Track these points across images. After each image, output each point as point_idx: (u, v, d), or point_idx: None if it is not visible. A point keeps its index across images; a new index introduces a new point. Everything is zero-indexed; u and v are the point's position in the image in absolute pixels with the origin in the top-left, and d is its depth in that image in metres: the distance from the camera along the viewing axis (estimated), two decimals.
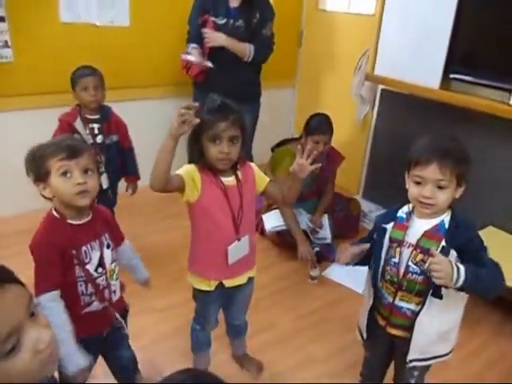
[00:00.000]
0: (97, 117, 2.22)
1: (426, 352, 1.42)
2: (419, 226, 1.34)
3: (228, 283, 1.59)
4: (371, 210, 3.32)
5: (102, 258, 1.32)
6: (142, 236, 2.73)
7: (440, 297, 1.30)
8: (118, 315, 1.40)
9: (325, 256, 2.74)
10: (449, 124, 2.75)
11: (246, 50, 2.75)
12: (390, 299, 1.42)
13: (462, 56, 2.64)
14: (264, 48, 2.83)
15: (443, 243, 1.28)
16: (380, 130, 3.32)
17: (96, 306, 1.33)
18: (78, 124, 2.17)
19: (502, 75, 2.42)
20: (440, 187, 1.25)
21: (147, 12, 3.07)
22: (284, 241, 2.78)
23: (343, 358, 2.04)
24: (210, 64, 2.74)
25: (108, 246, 1.36)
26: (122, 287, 1.47)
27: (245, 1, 2.71)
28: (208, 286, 1.57)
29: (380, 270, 1.42)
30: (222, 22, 2.73)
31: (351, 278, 2.53)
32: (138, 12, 3.04)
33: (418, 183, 1.28)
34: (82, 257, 1.28)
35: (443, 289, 1.28)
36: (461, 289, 1.22)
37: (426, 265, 1.23)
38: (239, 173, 1.51)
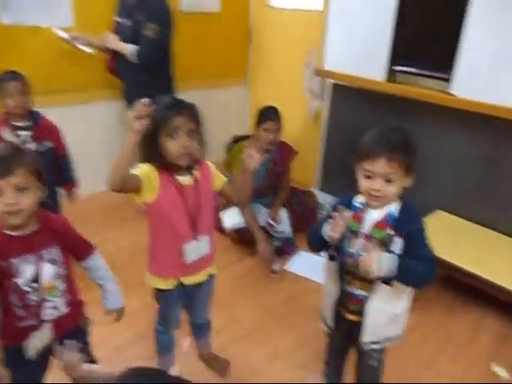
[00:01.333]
0: (25, 124, 2.11)
1: (378, 335, 1.48)
2: (371, 217, 1.39)
3: (187, 281, 1.59)
4: (327, 201, 3.40)
5: (38, 273, 1.26)
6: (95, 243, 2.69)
7: (389, 283, 1.36)
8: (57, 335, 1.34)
9: (285, 250, 2.78)
10: (397, 115, 2.86)
11: (127, 50, 2.69)
12: (349, 288, 1.47)
13: (405, 48, 2.75)
14: (145, 50, 2.66)
15: (390, 232, 1.33)
16: (332, 124, 3.40)
17: (33, 320, 1.28)
18: (6, 133, 2.06)
19: (441, 66, 2.54)
20: (388, 180, 1.30)
21: (91, 14, 2.98)
22: (244, 238, 2.80)
23: (308, 349, 2.08)
24: (87, 50, 2.79)
25: (52, 261, 1.29)
26: (79, 304, 1.43)
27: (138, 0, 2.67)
28: (165, 284, 1.57)
29: (340, 260, 1.44)
30: (118, 20, 2.79)
31: (312, 270, 2.58)
32: (82, 14, 2.94)
33: (368, 177, 1.33)
34: (10, 269, 1.22)
35: None
36: (392, 279, 1.31)
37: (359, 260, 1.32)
38: (196, 172, 1.51)
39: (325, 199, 3.41)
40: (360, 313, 1.45)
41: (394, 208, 1.37)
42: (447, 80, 2.50)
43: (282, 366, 1.99)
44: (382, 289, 1.37)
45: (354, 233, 1.41)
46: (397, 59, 2.75)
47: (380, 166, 1.29)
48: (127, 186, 1.36)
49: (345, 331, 1.58)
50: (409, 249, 1.32)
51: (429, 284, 1.39)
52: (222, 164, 2.77)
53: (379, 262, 1.28)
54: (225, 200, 2.78)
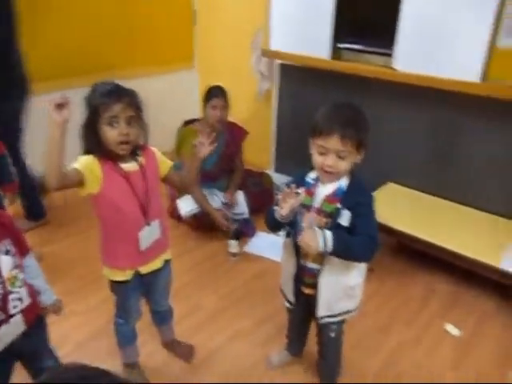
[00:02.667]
0: None
1: (333, 309, 1.53)
2: (322, 191, 1.42)
3: (144, 270, 1.57)
4: (283, 183, 3.43)
5: None
6: (46, 245, 2.63)
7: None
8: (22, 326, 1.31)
9: (244, 232, 2.79)
10: (345, 91, 2.90)
11: None
12: (304, 262, 1.50)
13: (349, 26, 2.79)
14: None
15: (338, 205, 1.37)
16: (283, 104, 3.42)
17: (1, 315, 1.25)
18: None
19: (384, 41, 2.59)
20: (341, 157, 1.34)
21: None
22: (201, 223, 2.78)
23: (270, 326, 2.12)
24: None
25: (7, 252, 1.27)
26: (36, 294, 1.39)
27: None
28: (124, 275, 1.55)
29: (296, 235, 1.48)
30: None
31: (271, 249, 2.61)
32: None
33: (322, 153, 1.35)
34: None
35: None
36: (331, 254, 1.35)
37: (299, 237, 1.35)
38: (140, 158, 1.48)
39: (280, 180, 3.45)
40: (315, 286, 1.49)
41: (343, 183, 1.40)
42: (390, 55, 2.56)
43: (245, 346, 2.02)
44: (333, 261, 1.42)
45: (307, 207, 1.43)
46: (341, 37, 2.78)
47: (333, 142, 1.31)
48: (67, 181, 1.31)
49: (304, 305, 1.62)
50: (353, 222, 1.36)
51: (369, 259, 1.43)
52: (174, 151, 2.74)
53: (318, 238, 1.32)
54: (170, 186, 2.76)
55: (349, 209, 1.35)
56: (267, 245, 2.71)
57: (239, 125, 2.92)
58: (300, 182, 1.47)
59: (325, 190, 1.42)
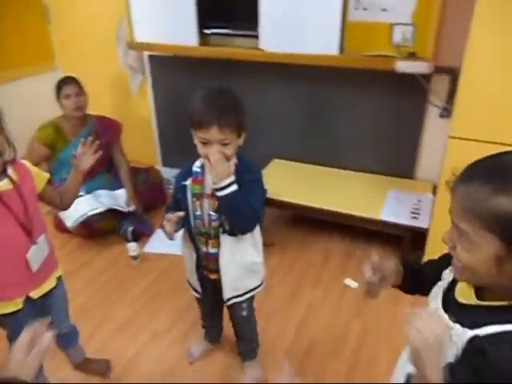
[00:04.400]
0: None
1: (239, 288, 1.58)
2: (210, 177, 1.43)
3: (36, 293, 1.45)
4: (175, 176, 3.38)
5: None
6: None
7: (233, 234, 1.45)
8: None
9: (141, 232, 2.71)
10: (218, 77, 2.92)
11: None
12: (205, 249, 1.52)
13: (213, 10, 2.78)
14: None
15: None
16: (158, 96, 3.34)
17: None
18: None
19: (249, 23, 2.64)
20: (224, 144, 1.34)
21: None
22: (92, 230, 2.64)
23: (186, 320, 2.11)
24: None
25: None
26: None
27: None
28: (14, 305, 1.41)
29: (192, 224, 1.49)
30: None
31: (171, 244, 2.56)
32: None
33: (205, 143, 1.35)
34: None
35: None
36: (224, 199, 1.34)
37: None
38: (13, 174, 1.34)
39: (171, 174, 3.39)
40: (217, 270, 1.52)
41: (231, 165, 1.42)
42: (257, 37, 2.63)
43: (164, 345, 1.99)
44: (229, 241, 1.46)
45: (198, 196, 1.44)
46: (206, 22, 2.78)
47: (213, 133, 1.31)
48: None
49: (211, 291, 1.64)
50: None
51: (249, 228, 1.45)
52: None
53: (228, 169, 1.33)
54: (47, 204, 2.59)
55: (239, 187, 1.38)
56: (167, 241, 2.66)
57: (109, 117, 2.85)
58: (188, 173, 1.47)
59: None
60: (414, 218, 2.36)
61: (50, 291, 1.51)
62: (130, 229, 2.61)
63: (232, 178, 1.33)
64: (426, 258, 2.22)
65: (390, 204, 2.48)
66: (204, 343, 1.94)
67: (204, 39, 2.83)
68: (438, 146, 2.61)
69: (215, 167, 1.31)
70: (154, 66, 3.23)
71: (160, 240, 2.70)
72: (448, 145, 1.97)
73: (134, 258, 2.52)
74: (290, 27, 2.51)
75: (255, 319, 1.76)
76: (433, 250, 2.18)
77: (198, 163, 1.46)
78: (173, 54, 2.99)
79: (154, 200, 2.92)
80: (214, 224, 1.45)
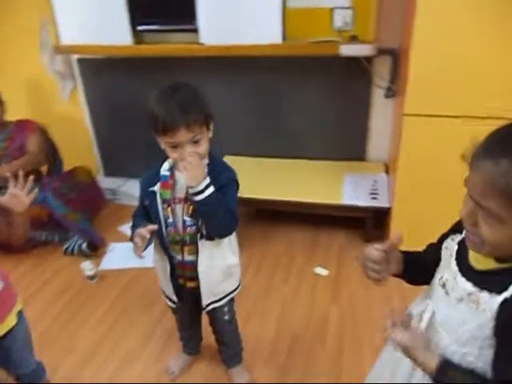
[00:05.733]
0: None
1: (217, 293, 1.49)
2: (182, 180, 1.32)
3: None
4: (120, 185, 3.20)
5: None
6: None
7: (211, 238, 1.36)
8: None
9: (94, 243, 2.54)
10: (156, 74, 2.76)
11: None
12: (180, 257, 1.42)
13: (145, 5, 2.63)
14: None
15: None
16: (94, 101, 3.12)
17: None
18: None
19: (187, 17, 2.53)
20: (195, 142, 1.24)
21: None
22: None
23: (159, 334, 1.99)
24: None
25: None
26: None
27: None
28: None
29: (164, 233, 1.38)
30: None
31: (129, 257, 2.41)
32: None
33: (174, 147, 1.24)
34: None
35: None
36: (201, 203, 1.25)
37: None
38: None
39: (116, 183, 3.21)
40: (196, 277, 1.43)
41: (204, 163, 1.32)
42: (196, 31, 2.53)
43: (140, 365, 1.85)
44: (207, 246, 1.37)
45: (169, 201, 1.33)
46: (139, 18, 2.63)
47: (181, 135, 1.21)
48: None
49: (189, 300, 1.54)
50: None
51: (226, 232, 1.37)
52: None
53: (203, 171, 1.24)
54: None
55: (217, 189, 1.29)
56: (124, 254, 2.50)
57: (29, 119, 2.69)
58: (155, 177, 1.35)
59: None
60: (374, 198, 2.39)
61: (11, 329, 1.33)
62: (82, 242, 2.45)
63: (208, 180, 1.24)
64: (391, 235, 2.27)
65: (348, 188, 2.49)
66: (183, 356, 1.83)
67: (138, 37, 2.69)
68: (385, 125, 2.68)
69: (190, 170, 1.21)
70: (86, 70, 3.01)
71: (116, 255, 2.54)
72: (403, 122, 2.00)
73: (91, 277, 2.32)
74: (231, 18, 2.44)
75: (237, 322, 1.69)
76: (399, 228, 2.22)
77: (166, 166, 1.35)
78: (105, 56, 2.79)
79: (91, 203, 2.77)
80: (190, 230, 1.34)
